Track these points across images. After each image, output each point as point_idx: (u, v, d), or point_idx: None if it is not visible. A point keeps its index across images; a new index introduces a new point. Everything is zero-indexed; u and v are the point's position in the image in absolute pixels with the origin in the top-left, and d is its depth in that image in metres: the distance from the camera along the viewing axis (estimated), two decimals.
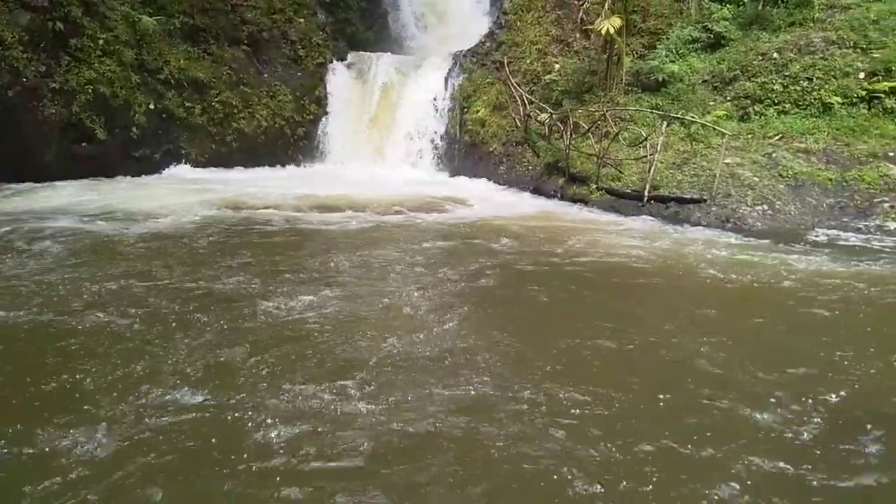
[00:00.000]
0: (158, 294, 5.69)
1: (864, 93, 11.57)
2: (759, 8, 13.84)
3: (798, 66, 12.35)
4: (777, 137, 11.65)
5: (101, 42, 12.84)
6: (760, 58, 12.95)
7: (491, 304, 5.90)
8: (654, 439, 3.51)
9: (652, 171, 10.92)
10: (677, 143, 12.12)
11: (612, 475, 3.19)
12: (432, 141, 16.02)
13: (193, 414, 3.64)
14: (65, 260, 6.72)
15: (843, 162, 10.72)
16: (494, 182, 14.15)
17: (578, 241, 8.50)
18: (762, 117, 12.27)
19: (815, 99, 11.96)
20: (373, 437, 3.46)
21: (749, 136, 11.90)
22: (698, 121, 12.01)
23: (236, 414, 3.64)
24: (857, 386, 4.23)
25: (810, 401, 3.98)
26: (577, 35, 15.78)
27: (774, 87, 12.39)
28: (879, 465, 3.33)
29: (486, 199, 11.95)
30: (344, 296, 5.83)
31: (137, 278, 6.14)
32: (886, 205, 9.68)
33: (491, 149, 14.88)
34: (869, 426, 3.70)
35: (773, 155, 11.06)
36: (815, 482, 3.17)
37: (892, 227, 9.26)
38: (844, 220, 9.68)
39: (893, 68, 11.47)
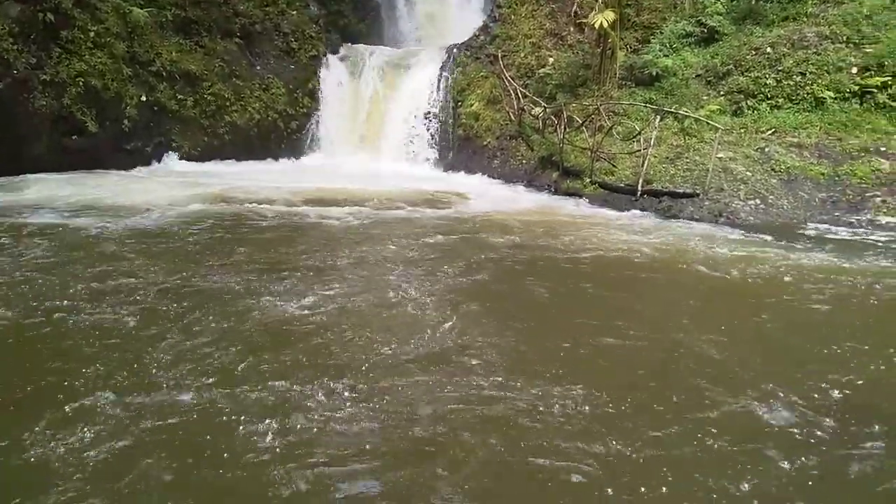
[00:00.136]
0: (147, 293, 5.50)
1: (856, 88, 11.61)
2: (753, 2, 13.88)
3: (791, 61, 12.38)
4: (770, 132, 11.68)
5: (91, 34, 12.74)
6: (754, 52, 12.98)
7: (491, 300, 5.83)
8: (663, 436, 3.48)
9: (645, 165, 10.94)
10: (670, 138, 12.13)
11: (620, 473, 3.16)
12: (426, 135, 15.99)
13: (185, 415, 3.54)
14: (49, 257, 6.54)
15: (835, 156, 10.76)
16: (488, 176, 14.15)
17: (576, 236, 8.48)
18: (755, 112, 12.30)
19: (807, 94, 11.99)
20: (373, 438, 3.40)
21: (742, 130, 11.93)
22: (692, 115, 12.03)
23: (230, 415, 3.56)
24: (859, 382, 4.20)
25: (815, 396, 3.96)
26: (572, 29, 15.79)
27: (768, 82, 12.41)
28: (888, 463, 3.32)
29: (482, 194, 11.91)
30: (341, 293, 5.73)
31: (125, 276, 5.97)
32: (878, 199, 9.72)
33: (485, 143, 14.87)
34: (875, 424, 3.67)
35: (766, 149, 11.10)
36: (823, 479, 3.16)
37: (883, 222, 9.30)
38: (836, 214, 9.72)
39: (886, 63, 11.51)
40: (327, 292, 5.73)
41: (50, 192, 10.39)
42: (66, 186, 11.03)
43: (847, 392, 4.06)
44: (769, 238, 8.57)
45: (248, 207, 9.79)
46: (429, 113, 16.12)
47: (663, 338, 4.98)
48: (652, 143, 11.13)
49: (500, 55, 15.80)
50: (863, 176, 10.15)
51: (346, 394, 3.86)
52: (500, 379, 4.11)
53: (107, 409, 3.59)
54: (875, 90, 11.41)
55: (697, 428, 3.59)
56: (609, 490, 3.03)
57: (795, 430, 3.60)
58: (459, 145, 15.50)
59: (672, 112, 12.13)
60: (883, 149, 10.59)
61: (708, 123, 11.52)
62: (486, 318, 5.29)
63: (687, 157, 11.36)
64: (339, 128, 16.67)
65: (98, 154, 13.08)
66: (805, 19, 13.12)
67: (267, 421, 3.50)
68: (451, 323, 5.08)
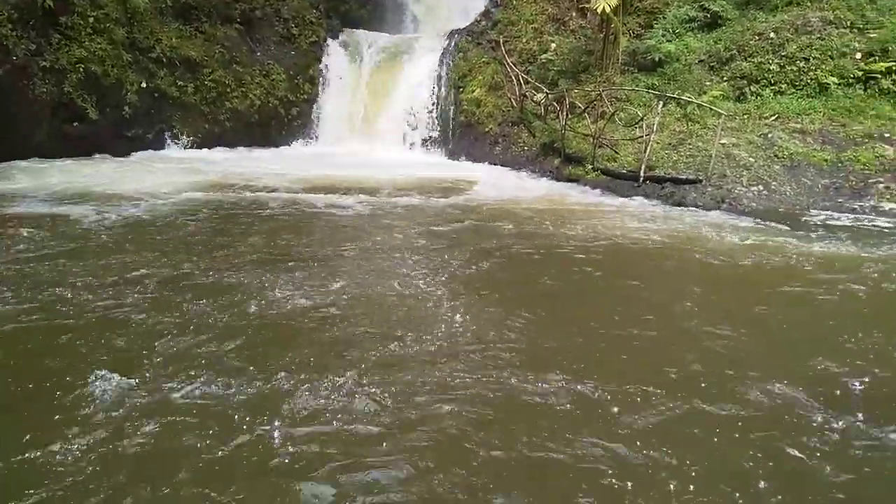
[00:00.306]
0: (145, 286, 5.38)
1: (860, 73, 11.55)
2: None
3: (795, 46, 12.30)
4: (773, 118, 11.63)
5: (91, 20, 12.66)
6: (757, 38, 12.89)
7: (501, 289, 5.70)
8: (688, 433, 3.43)
9: (647, 151, 10.91)
10: (673, 124, 12.10)
11: (639, 465, 3.11)
12: (427, 121, 15.93)
13: (186, 411, 3.49)
14: (43, 248, 6.37)
15: (838, 142, 10.72)
16: (490, 163, 14.11)
17: (585, 224, 8.40)
18: (758, 98, 12.24)
19: (811, 79, 11.94)
20: (385, 434, 3.32)
21: (745, 116, 11.89)
22: (694, 101, 11.98)
23: (233, 411, 3.49)
24: (877, 370, 4.17)
25: (838, 392, 3.89)
26: (574, 14, 15.68)
27: (771, 68, 12.35)
28: None
29: (484, 181, 11.85)
30: (346, 284, 5.62)
31: (122, 268, 5.79)
32: (881, 185, 9.70)
33: (486, 129, 14.82)
34: None
35: (769, 135, 11.05)
36: (850, 473, 3.13)
37: (886, 208, 9.28)
38: (839, 200, 9.70)
39: (890, 48, 11.45)
40: (333, 284, 5.62)
41: (50, 179, 10.34)
42: (67, 173, 11.01)
43: (868, 382, 4.01)
44: (773, 224, 8.56)
45: (249, 196, 9.76)
46: (430, 99, 16.04)
47: (676, 326, 4.93)
48: (654, 129, 11.10)
49: (501, 41, 15.71)
50: (866, 162, 10.12)
51: (354, 389, 3.75)
52: (514, 372, 4.01)
53: (106, 405, 3.48)
54: (879, 76, 11.35)
55: (724, 421, 3.53)
56: (629, 484, 2.97)
57: (823, 424, 3.53)
58: (461, 132, 15.44)
59: (675, 98, 12.08)
60: (887, 135, 10.55)
61: (711, 109, 11.47)
62: (497, 308, 5.17)
63: (689, 144, 11.32)
64: (340, 114, 16.59)
65: (99, 141, 13.05)
66: (809, 4, 13.02)
67: (274, 416, 3.42)
68: (460, 315, 4.97)
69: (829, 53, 11.97)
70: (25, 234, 6.91)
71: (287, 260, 6.34)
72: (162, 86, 14.05)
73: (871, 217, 9.05)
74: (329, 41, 17.06)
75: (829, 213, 9.28)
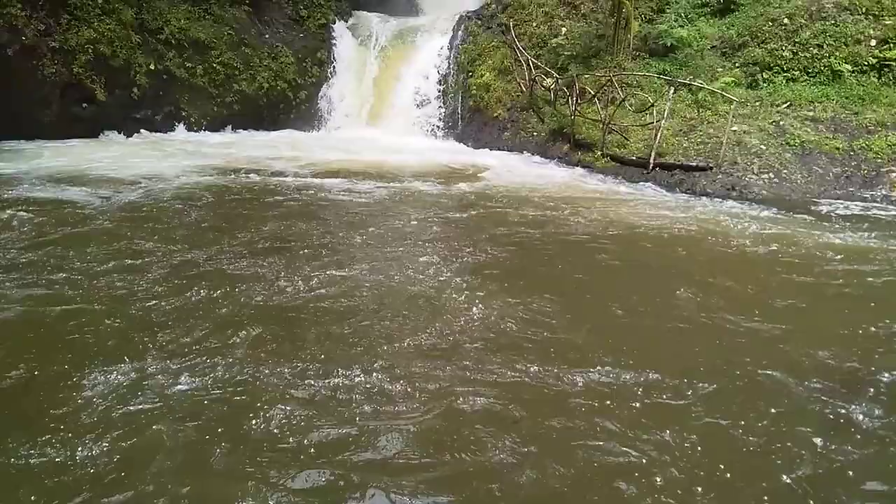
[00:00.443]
0: (147, 272, 5.29)
1: (874, 60, 11.42)
2: None
3: (809, 33, 12.16)
4: (785, 105, 11.52)
5: (100, 1, 12.62)
6: (771, 23, 12.73)
7: (518, 279, 5.61)
8: (722, 426, 3.40)
9: (658, 137, 10.84)
10: (684, 110, 12.00)
11: (674, 458, 3.08)
12: (435, 106, 15.84)
13: (196, 402, 3.44)
14: (44, 233, 6.31)
15: (851, 131, 10.63)
16: (498, 148, 14.01)
17: (599, 211, 8.29)
18: (771, 84, 12.12)
19: (824, 66, 11.80)
20: (410, 430, 3.24)
21: (757, 103, 11.78)
22: (706, 87, 11.87)
23: (241, 405, 3.41)
24: None
25: (871, 390, 3.81)
26: None
27: (784, 54, 12.21)
28: None
29: (493, 167, 11.75)
30: (360, 272, 5.49)
31: (124, 254, 5.73)
32: (894, 175, 9.63)
33: (495, 114, 14.72)
34: None
35: (781, 123, 10.96)
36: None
37: None
38: (851, 189, 9.64)
39: None
40: (344, 272, 5.49)
41: (57, 161, 10.33)
42: (74, 154, 11.02)
43: None
44: (786, 213, 8.47)
45: (257, 180, 9.74)
46: (439, 83, 15.94)
47: (696, 317, 4.86)
48: (665, 115, 11.01)
49: (511, 24, 15.56)
50: (879, 151, 10.04)
51: (365, 384, 3.66)
52: (540, 363, 3.93)
53: (106, 395, 3.44)
54: (894, 63, 11.22)
55: (759, 416, 3.49)
56: (658, 480, 2.94)
57: (849, 419, 3.50)
58: (469, 117, 15.35)
59: (686, 84, 11.97)
60: None
61: (722, 96, 11.37)
62: (515, 298, 5.04)
63: (700, 130, 11.24)
64: (348, 98, 16.50)
65: (108, 122, 13.09)
66: None
67: (286, 412, 3.34)
68: (478, 305, 4.85)
69: (844, 40, 11.83)
70: (27, 217, 6.83)
71: (297, 247, 6.24)
72: (171, 67, 14.01)
73: (883, 206, 9.00)
74: (338, 24, 16.94)
75: (840, 201, 9.22)
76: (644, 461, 3.07)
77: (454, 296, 5.06)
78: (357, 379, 3.71)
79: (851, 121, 10.78)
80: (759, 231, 7.56)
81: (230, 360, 3.89)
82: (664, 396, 3.66)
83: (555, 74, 13.77)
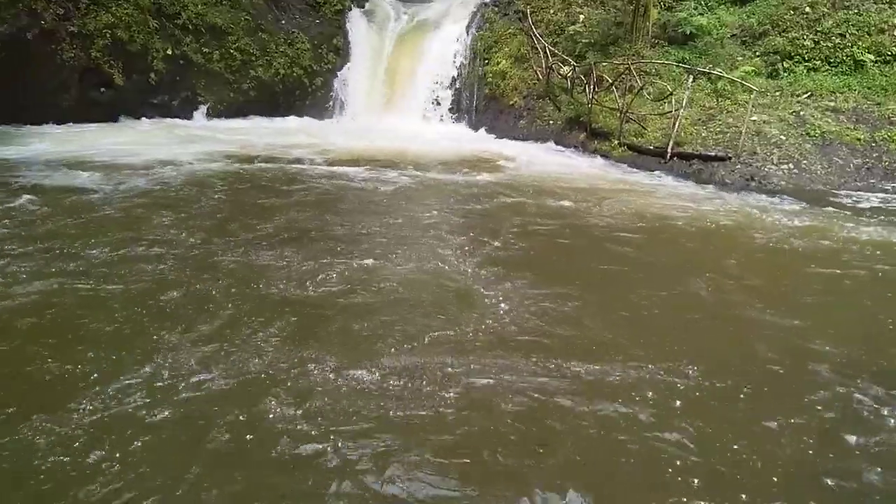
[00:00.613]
0: (164, 261, 5.29)
1: None
2: None
3: (831, 22, 12.00)
4: (806, 95, 11.40)
5: None
6: (792, 12, 12.58)
7: (542, 272, 5.53)
8: (754, 419, 3.39)
9: (676, 127, 10.75)
10: (703, 99, 11.89)
11: (714, 455, 3.06)
12: (451, 93, 15.78)
13: (212, 396, 3.40)
14: (58, 218, 6.31)
15: (872, 122, 10.50)
16: (514, 137, 13.94)
17: (623, 201, 8.22)
18: (791, 74, 11.99)
19: (846, 56, 11.65)
20: (433, 425, 3.22)
21: (777, 93, 11.66)
22: (726, 76, 11.74)
23: (257, 401, 3.37)
24: None
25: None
26: None
27: (805, 43, 12.06)
28: None
29: (510, 155, 11.65)
30: (380, 264, 5.43)
31: (137, 243, 5.71)
32: None
33: (511, 102, 14.65)
34: None
35: (801, 113, 10.84)
36: None
37: None
38: (872, 181, 9.54)
39: None
40: (365, 262, 5.45)
41: (67, 145, 10.38)
42: (90, 139, 11.10)
43: None
44: (807, 205, 8.37)
45: (274, 167, 9.73)
46: (455, 71, 15.87)
47: (729, 311, 4.84)
48: (684, 104, 10.91)
49: (528, 11, 15.43)
50: None
51: (390, 380, 3.62)
52: (569, 358, 3.91)
53: (126, 391, 3.41)
54: None
55: (794, 411, 3.48)
56: (694, 480, 2.92)
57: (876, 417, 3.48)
58: (485, 104, 15.29)
59: (705, 72, 11.86)
60: None
61: (742, 85, 11.25)
62: (539, 291, 4.97)
63: (719, 120, 11.14)
64: (364, 85, 16.44)
65: (125, 107, 13.18)
66: None
67: (302, 409, 3.30)
68: (503, 301, 4.77)
69: (867, 29, 11.67)
70: (41, 202, 6.84)
71: (316, 237, 6.19)
72: (188, 53, 14.04)
73: None
74: (354, 10, 16.88)
75: (861, 193, 9.12)
76: (674, 452, 3.07)
77: (479, 289, 4.99)
78: (380, 373, 3.69)
79: (873, 111, 10.65)
80: (786, 223, 7.47)
81: (247, 353, 3.87)
82: (699, 393, 3.64)
83: (572, 62, 13.69)
